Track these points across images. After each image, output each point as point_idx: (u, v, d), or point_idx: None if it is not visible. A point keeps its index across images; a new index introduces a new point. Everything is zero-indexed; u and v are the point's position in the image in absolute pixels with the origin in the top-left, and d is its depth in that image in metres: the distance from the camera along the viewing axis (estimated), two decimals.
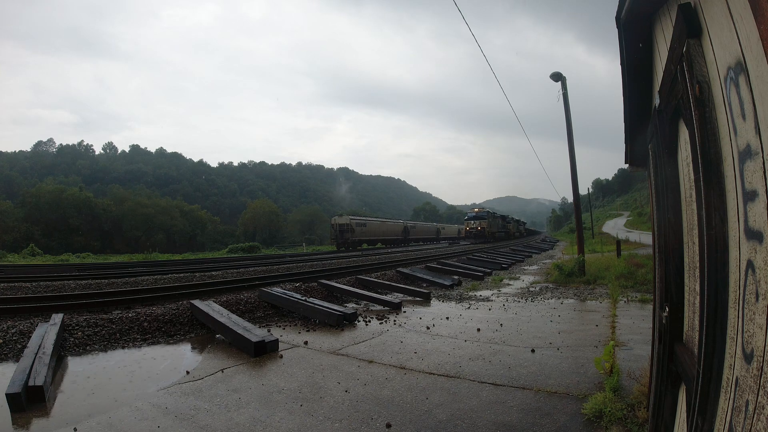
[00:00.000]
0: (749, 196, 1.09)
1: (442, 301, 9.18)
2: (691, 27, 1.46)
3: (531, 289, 10.88)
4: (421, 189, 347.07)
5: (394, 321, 7.03)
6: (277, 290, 8.39)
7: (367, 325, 6.73)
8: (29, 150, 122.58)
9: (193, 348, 5.65)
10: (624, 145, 3.43)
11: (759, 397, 1.00)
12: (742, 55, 1.09)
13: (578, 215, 14.02)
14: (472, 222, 44.05)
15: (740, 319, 1.17)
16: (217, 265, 18.23)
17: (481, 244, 36.46)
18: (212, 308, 6.63)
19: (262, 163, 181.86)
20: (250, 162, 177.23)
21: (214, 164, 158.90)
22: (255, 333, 5.35)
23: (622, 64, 2.68)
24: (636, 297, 8.64)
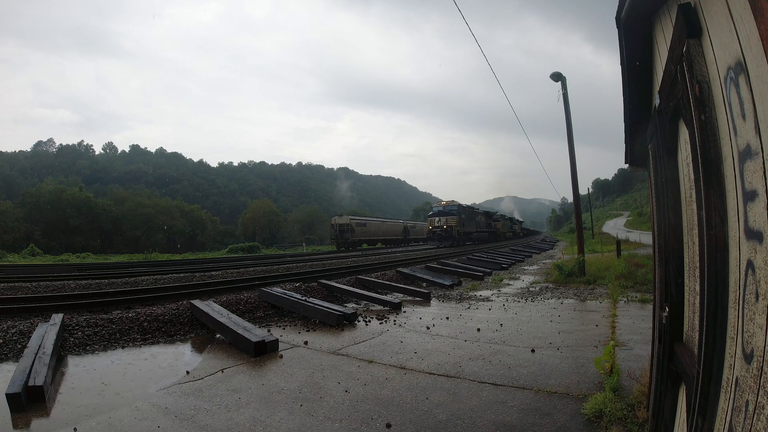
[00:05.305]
0: (749, 196, 1.09)
1: (442, 301, 9.18)
2: (691, 27, 1.46)
3: (531, 289, 10.88)
4: (421, 189, 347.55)
5: (394, 321, 7.02)
6: (277, 290, 8.39)
7: (367, 325, 6.73)
8: (29, 150, 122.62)
9: (193, 348, 5.65)
10: (624, 145, 3.43)
11: (759, 397, 1.00)
12: (742, 55, 1.09)
13: (578, 215, 14.02)
14: (437, 219, 31.89)
15: (740, 319, 1.17)
16: (217, 265, 18.22)
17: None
18: (212, 308, 6.63)
19: (263, 163, 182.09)
20: (250, 162, 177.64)
21: (214, 164, 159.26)
22: (255, 333, 5.35)
23: (622, 64, 2.68)
24: (636, 297, 8.63)
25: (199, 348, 5.60)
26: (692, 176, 1.65)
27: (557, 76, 13.22)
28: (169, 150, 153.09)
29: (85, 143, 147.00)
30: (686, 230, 2.01)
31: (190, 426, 3.22)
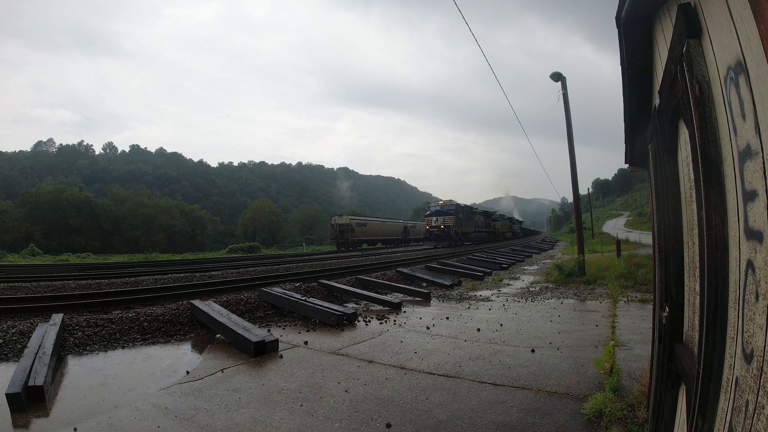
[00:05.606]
0: (749, 196, 1.09)
1: (442, 301, 9.18)
2: (691, 27, 1.46)
3: (531, 289, 10.88)
4: (421, 189, 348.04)
5: (394, 321, 7.02)
6: (277, 290, 8.39)
7: (367, 325, 6.73)
8: (29, 150, 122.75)
9: (193, 348, 5.65)
10: (624, 145, 3.43)
11: (759, 397, 1.00)
12: (742, 55, 1.09)
13: (578, 215, 14.02)
14: (434, 218, 31.83)
15: (740, 319, 1.17)
16: (217, 265, 18.22)
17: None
18: (212, 308, 6.63)
19: (263, 163, 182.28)
20: (250, 162, 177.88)
21: (214, 164, 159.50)
22: (255, 333, 5.35)
23: (622, 64, 2.68)
24: (636, 297, 8.63)
25: (199, 348, 5.60)
26: (692, 176, 1.65)
27: (557, 76, 13.23)
28: (169, 150, 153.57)
29: (85, 143, 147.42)
30: (686, 230, 2.01)
31: (190, 426, 3.22)
